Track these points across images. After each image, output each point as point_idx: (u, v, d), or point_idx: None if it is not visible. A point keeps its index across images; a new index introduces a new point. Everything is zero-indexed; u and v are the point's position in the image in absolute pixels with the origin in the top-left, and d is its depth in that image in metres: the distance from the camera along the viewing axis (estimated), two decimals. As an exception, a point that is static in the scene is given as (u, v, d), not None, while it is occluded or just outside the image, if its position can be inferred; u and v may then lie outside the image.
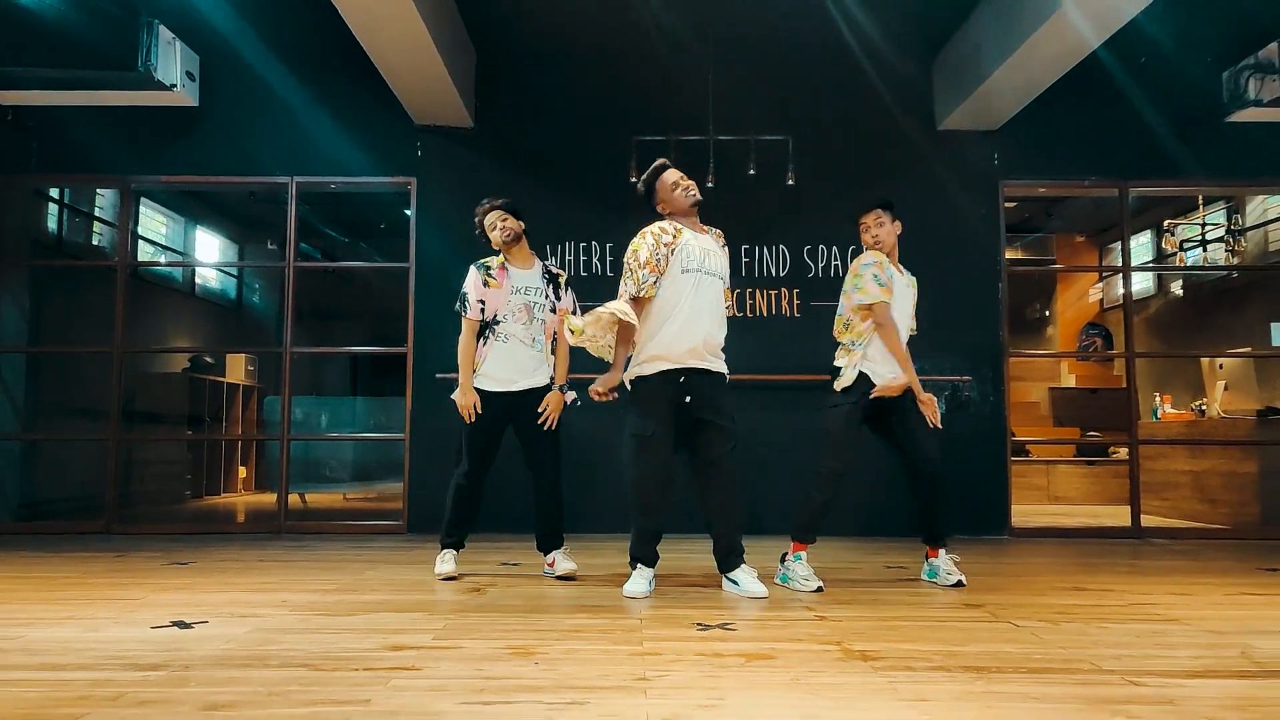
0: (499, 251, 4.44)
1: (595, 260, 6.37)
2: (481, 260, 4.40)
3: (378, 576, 4.38)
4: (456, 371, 4.35)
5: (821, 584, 4.03)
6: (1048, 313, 11.82)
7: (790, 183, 6.20)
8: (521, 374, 4.34)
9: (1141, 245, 10.33)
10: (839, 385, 4.19)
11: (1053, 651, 2.92)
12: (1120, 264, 6.80)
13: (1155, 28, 6.32)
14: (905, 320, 4.33)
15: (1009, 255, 11.45)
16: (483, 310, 4.33)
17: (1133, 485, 6.43)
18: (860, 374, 4.16)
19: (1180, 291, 9.73)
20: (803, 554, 4.14)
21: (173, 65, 5.90)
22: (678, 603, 3.73)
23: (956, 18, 6.11)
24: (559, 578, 4.31)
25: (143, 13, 5.62)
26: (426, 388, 6.20)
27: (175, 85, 5.91)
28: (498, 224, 4.38)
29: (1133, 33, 6.05)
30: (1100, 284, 11.30)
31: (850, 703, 2.34)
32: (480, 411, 4.28)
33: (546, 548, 4.44)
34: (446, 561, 4.37)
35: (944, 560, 4.23)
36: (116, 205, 8.09)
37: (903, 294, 4.31)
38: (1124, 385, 10.38)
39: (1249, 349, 7.14)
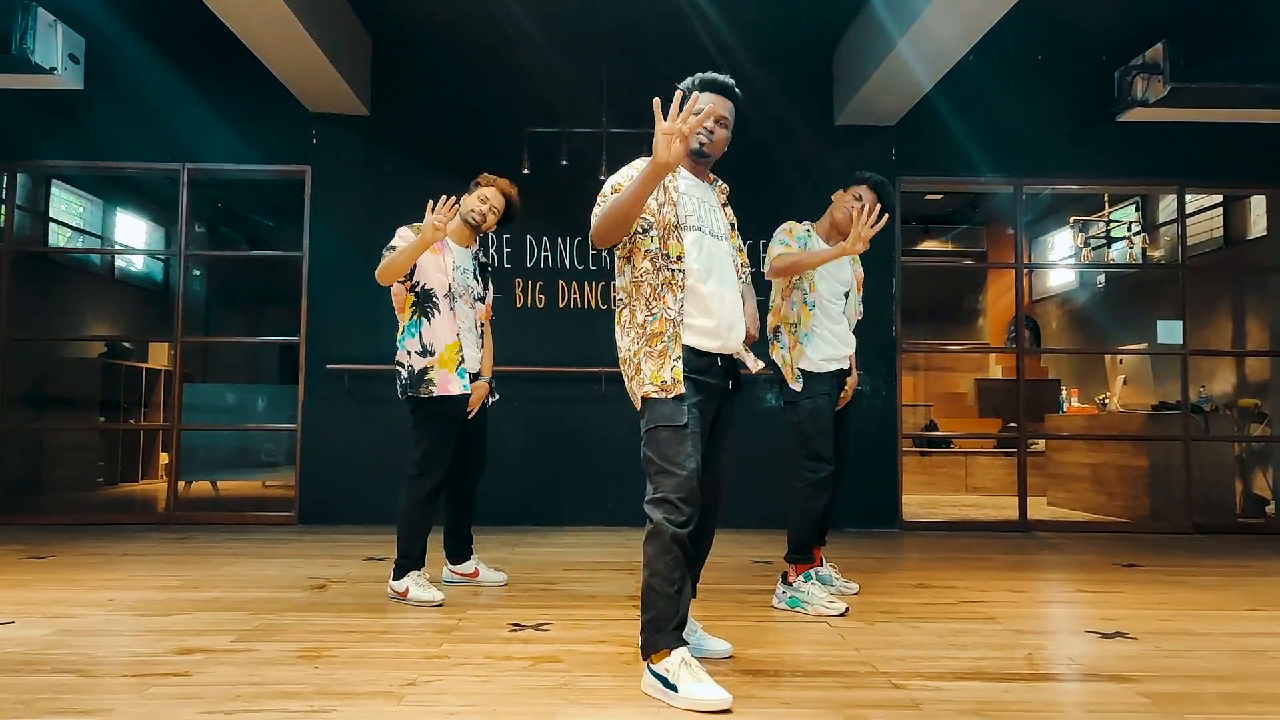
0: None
1: (492, 250, 6.35)
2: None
3: (231, 572, 4.37)
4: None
5: (846, 606, 3.62)
6: (979, 304, 11.94)
7: (682, 176, 6.19)
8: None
9: (1064, 239, 10.43)
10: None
11: (844, 654, 2.97)
12: (1045, 260, 6.87)
13: (1052, 25, 6.37)
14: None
15: (938, 247, 11.60)
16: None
17: (1020, 480, 6.50)
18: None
19: (1102, 284, 9.84)
20: (811, 573, 3.74)
21: (53, 48, 5.80)
22: (510, 603, 3.76)
23: (855, 6, 6.03)
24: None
25: (19, -6, 5.53)
26: (319, 378, 6.18)
27: (56, 69, 5.82)
28: (493, 205, 3.92)
29: (1029, 30, 6.11)
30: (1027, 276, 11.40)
31: (596, 710, 2.37)
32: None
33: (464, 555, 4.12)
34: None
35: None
36: (28, 188, 8.02)
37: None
38: (1049, 376, 10.60)
39: (1144, 345, 7.22)
